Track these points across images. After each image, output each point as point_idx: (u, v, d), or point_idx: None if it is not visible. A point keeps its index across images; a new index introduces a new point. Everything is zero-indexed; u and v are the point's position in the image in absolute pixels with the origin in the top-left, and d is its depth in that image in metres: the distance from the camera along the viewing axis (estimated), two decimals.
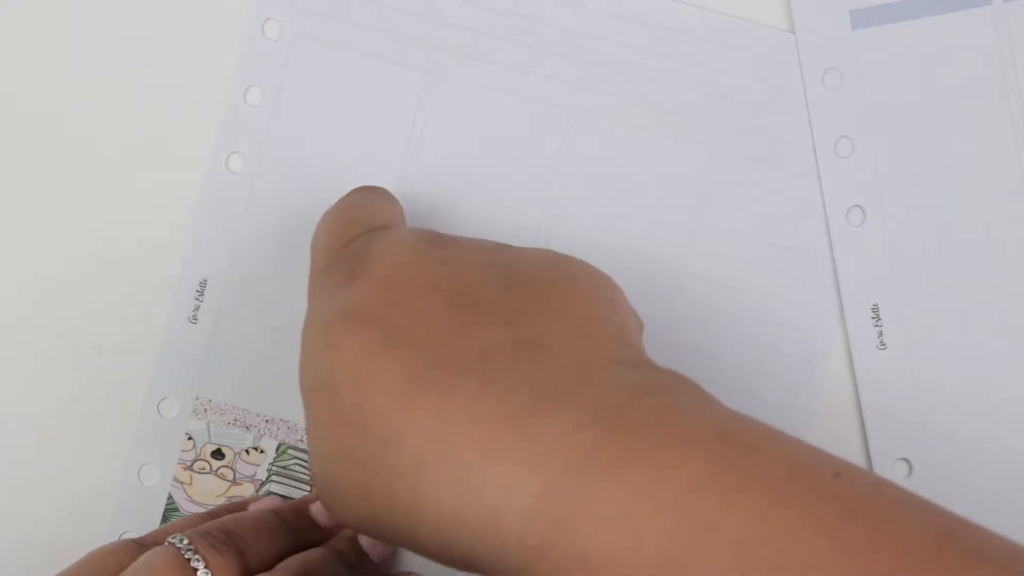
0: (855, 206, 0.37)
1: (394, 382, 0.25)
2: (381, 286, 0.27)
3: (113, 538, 0.36)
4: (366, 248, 0.29)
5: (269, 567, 0.31)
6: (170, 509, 0.38)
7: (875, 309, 0.37)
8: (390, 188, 0.35)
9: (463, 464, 0.23)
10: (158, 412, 0.38)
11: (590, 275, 0.28)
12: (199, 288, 0.38)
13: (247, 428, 0.38)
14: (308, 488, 0.38)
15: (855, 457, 0.37)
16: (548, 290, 0.27)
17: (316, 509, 0.35)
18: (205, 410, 0.38)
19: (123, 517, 0.37)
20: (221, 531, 0.31)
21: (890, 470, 0.37)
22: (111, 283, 0.38)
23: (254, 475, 0.38)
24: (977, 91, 0.37)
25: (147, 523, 0.37)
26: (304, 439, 0.37)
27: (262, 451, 0.38)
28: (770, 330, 0.37)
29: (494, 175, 0.38)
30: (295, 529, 0.33)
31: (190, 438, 0.38)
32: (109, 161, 0.38)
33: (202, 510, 0.37)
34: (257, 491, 0.38)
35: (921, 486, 0.37)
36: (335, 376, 0.26)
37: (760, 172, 0.37)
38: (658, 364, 0.26)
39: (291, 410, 0.38)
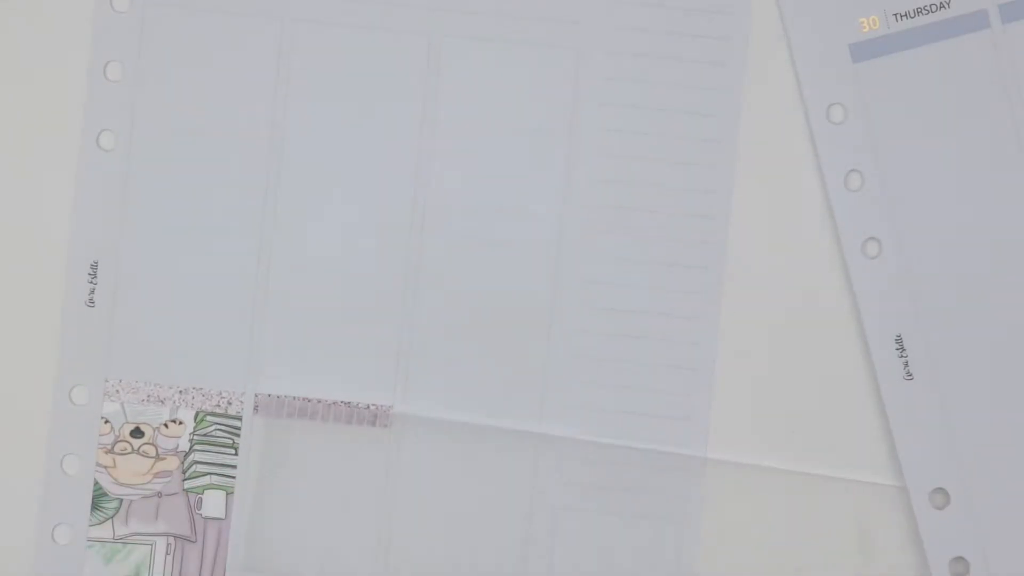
0: (870, 238, 0.37)
1: None
2: None
3: (44, 534, 0.37)
4: None
5: None
6: (98, 495, 0.38)
7: (899, 340, 0.37)
8: (266, 141, 0.37)
9: None
10: (70, 400, 0.38)
11: None
12: (91, 271, 0.38)
13: (162, 402, 0.38)
14: (233, 452, 0.38)
15: (891, 490, 0.37)
16: None
17: None
18: (117, 391, 0.38)
19: (51, 510, 0.37)
20: None
21: (927, 501, 0.36)
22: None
23: (176, 447, 0.38)
24: (982, 115, 0.37)
25: (76, 513, 0.37)
26: (220, 403, 0.38)
27: (181, 422, 0.38)
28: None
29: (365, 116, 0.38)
30: None
31: (107, 421, 0.38)
32: None
33: (130, 491, 0.37)
34: (182, 462, 0.38)
35: (960, 515, 0.36)
36: None
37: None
38: None
39: (203, 377, 0.38)
